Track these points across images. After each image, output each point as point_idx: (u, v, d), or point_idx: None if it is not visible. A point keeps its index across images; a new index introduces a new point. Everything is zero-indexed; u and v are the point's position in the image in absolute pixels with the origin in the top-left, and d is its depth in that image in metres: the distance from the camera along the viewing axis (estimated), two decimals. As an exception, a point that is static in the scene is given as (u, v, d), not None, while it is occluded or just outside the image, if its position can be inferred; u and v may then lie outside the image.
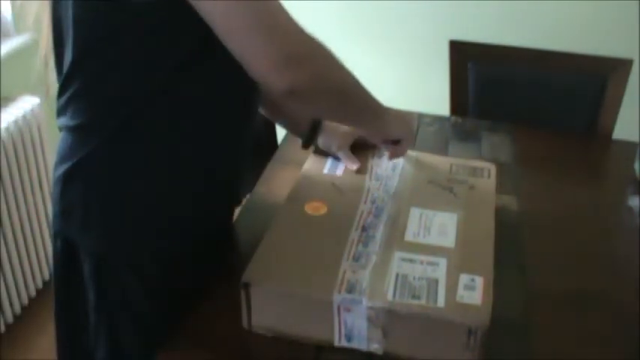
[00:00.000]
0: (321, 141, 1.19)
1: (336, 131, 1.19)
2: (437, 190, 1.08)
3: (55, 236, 0.98)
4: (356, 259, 0.91)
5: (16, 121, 1.79)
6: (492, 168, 1.15)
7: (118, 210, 0.92)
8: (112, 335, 0.98)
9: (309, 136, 1.19)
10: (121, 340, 0.98)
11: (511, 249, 1.08)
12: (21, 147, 1.81)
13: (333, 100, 0.91)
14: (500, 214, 1.06)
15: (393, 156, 1.13)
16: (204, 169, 0.95)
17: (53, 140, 1.39)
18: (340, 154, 1.16)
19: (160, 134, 0.89)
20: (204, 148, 0.93)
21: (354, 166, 1.14)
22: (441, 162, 1.17)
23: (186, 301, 0.95)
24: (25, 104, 1.86)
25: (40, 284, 2.00)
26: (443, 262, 0.90)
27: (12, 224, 1.80)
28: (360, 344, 0.86)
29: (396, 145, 1.11)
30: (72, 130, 0.92)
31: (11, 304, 1.87)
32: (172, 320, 0.92)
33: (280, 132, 1.59)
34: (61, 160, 0.93)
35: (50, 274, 2.03)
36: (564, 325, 0.98)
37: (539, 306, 1.00)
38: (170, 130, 0.89)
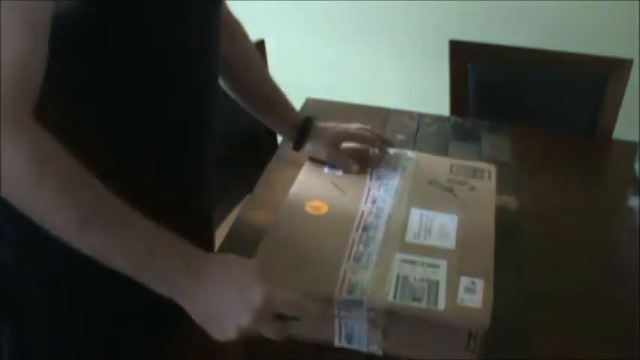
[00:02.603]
0: (309, 148, 1.15)
1: (322, 135, 1.14)
2: (437, 191, 1.08)
3: None
4: (357, 259, 0.91)
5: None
6: (493, 169, 1.15)
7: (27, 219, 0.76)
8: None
9: (298, 139, 1.15)
10: None
11: (511, 249, 1.08)
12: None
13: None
14: (500, 214, 1.06)
15: None
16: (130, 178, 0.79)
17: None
18: (334, 161, 1.12)
19: (74, 141, 0.77)
20: (130, 156, 0.82)
21: (353, 170, 1.11)
22: (441, 162, 1.17)
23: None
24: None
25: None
26: (443, 264, 0.90)
27: (12, 224, 1.80)
28: (360, 345, 0.86)
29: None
30: None
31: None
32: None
33: (280, 132, 1.60)
34: None
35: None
36: (564, 325, 0.98)
37: (539, 306, 1.00)
38: (84, 139, 0.76)
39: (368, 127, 1.19)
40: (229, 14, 1.09)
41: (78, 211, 0.68)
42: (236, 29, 1.11)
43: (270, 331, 0.73)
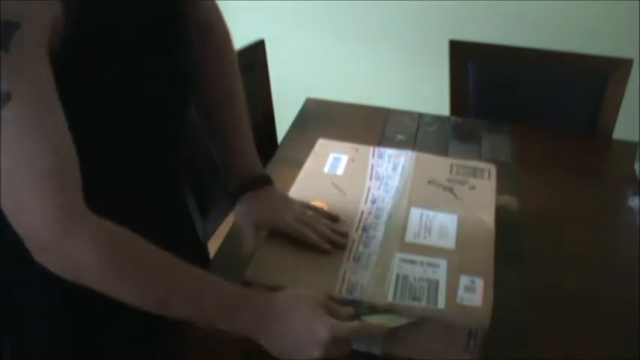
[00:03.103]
0: (238, 207, 1.00)
1: (252, 204, 0.99)
2: (437, 191, 1.08)
3: None
4: (356, 259, 0.91)
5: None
6: (492, 169, 1.15)
7: None
8: None
9: (239, 190, 1.00)
10: None
11: (511, 249, 1.08)
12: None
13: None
14: (500, 214, 1.06)
15: None
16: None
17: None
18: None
19: None
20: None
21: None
22: (441, 162, 1.17)
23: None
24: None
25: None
26: (443, 264, 0.90)
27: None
28: (360, 345, 0.86)
29: None
30: None
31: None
32: None
33: (280, 132, 1.60)
34: None
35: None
36: (564, 325, 0.98)
37: (539, 306, 1.00)
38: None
39: (327, 224, 0.98)
40: (217, 23, 1.01)
41: (154, 294, 0.73)
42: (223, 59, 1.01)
43: (338, 353, 0.77)
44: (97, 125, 0.76)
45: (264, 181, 1.01)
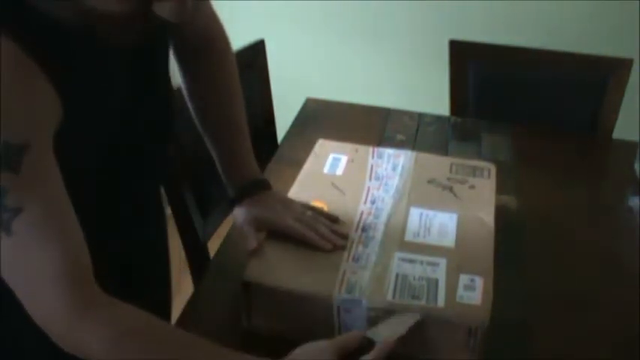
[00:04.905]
0: (237, 210, 1.01)
1: (253, 205, 1.00)
2: (437, 190, 1.08)
3: None
4: (356, 259, 0.91)
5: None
6: (492, 168, 1.15)
7: None
8: None
9: (237, 198, 1.01)
10: None
11: (511, 249, 1.08)
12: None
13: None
14: (500, 213, 1.06)
15: None
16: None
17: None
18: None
19: None
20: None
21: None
22: (441, 162, 1.17)
23: None
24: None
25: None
26: (443, 263, 0.90)
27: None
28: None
29: None
30: None
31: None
32: None
33: (280, 132, 1.60)
34: None
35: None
36: (564, 325, 0.98)
37: (539, 306, 1.00)
38: None
39: (329, 224, 0.98)
40: (216, 38, 1.02)
41: None
42: (222, 66, 1.02)
43: None
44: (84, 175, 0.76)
45: (263, 186, 1.02)
